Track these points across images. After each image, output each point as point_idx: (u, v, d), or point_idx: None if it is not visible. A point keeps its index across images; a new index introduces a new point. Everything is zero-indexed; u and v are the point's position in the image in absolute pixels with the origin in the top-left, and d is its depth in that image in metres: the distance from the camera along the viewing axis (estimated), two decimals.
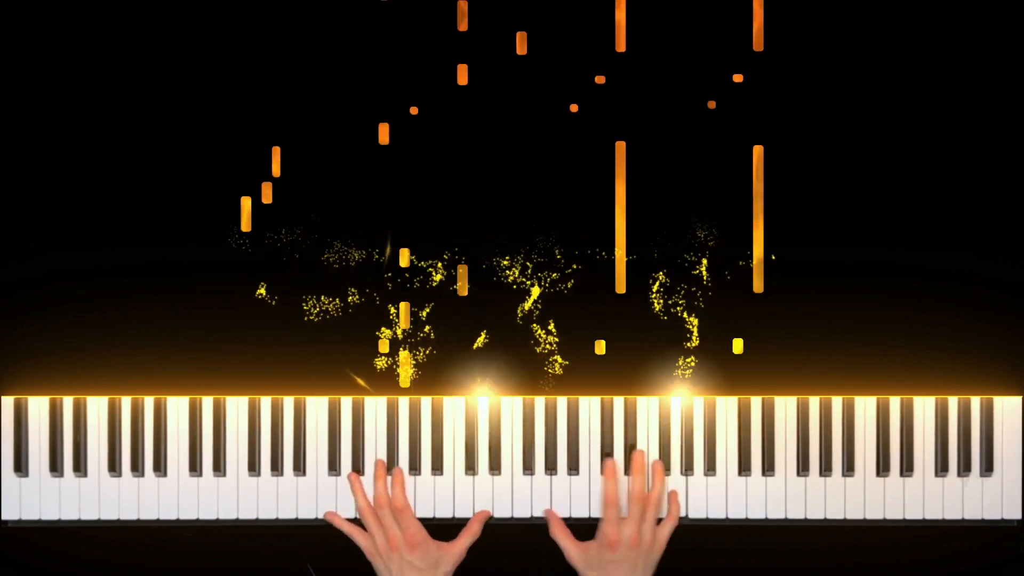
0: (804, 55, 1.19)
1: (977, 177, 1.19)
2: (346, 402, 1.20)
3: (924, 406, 1.20)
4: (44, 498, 1.20)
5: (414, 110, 1.19)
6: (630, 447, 1.19)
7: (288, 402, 1.20)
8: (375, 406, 1.20)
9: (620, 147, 1.19)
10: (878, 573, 1.22)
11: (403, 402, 1.20)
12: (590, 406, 1.20)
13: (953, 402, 1.20)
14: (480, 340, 1.19)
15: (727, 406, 1.20)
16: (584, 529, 1.20)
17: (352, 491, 1.18)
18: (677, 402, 1.20)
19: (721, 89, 1.19)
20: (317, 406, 1.20)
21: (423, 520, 1.18)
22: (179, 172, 1.18)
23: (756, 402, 1.20)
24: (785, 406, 1.20)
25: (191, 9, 1.18)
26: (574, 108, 1.19)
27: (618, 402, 1.20)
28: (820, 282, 1.19)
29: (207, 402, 1.20)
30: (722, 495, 1.20)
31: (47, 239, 1.18)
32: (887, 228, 1.19)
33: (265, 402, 1.20)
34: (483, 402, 1.20)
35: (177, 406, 1.20)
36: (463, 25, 1.18)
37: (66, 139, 1.18)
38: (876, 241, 1.19)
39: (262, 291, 1.19)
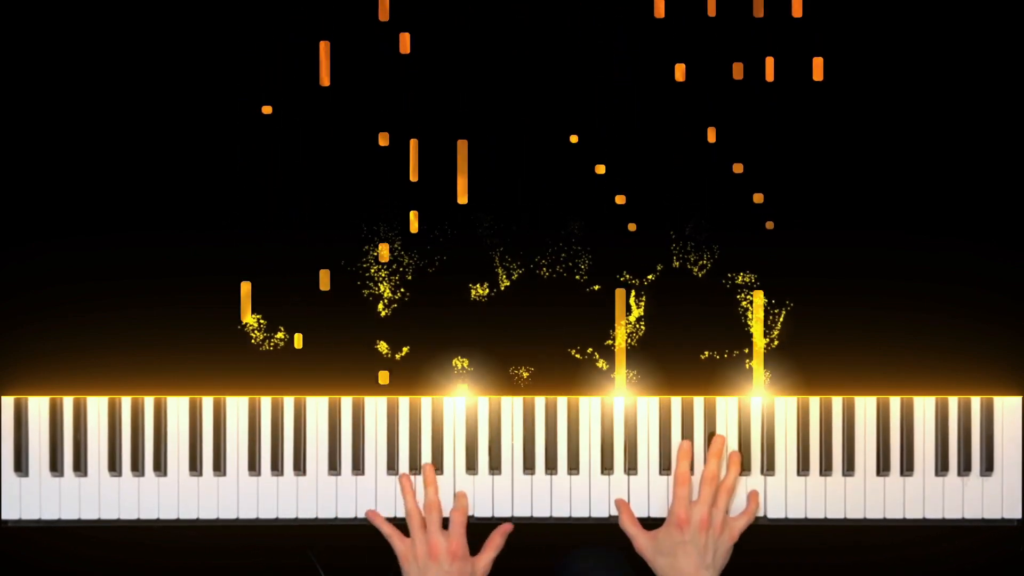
0: (805, 53, 1.19)
1: (977, 177, 1.19)
2: (346, 402, 1.20)
3: (924, 406, 1.20)
4: (44, 498, 1.19)
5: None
6: (710, 434, 1.19)
7: (288, 402, 1.20)
8: (375, 406, 1.20)
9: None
10: (878, 573, 1.22)
11: (403, 402, 1.20)
12: (590, 406, 1.20)
13: (953, 402, 1.20)
14: (481, 339, 1.19)
15: (727, 406, 1.20)
16: (585, 529, 1.20)
17: (402, 492, 1.17)
18: (677, 402, 1.20)
19: (721, 89, 1.20)
20: (317, 406, 1.20)
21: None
22: (179, 172, 1.18)
23: (756, 402, 1.20)
24: (785, 406, 1.20)
25: (191, 9, 1.18)
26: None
27: (618, 402, 1.20)
28: (820, 282, 1.19)
29: (207, 402, 1.20)
30: None
31: (47, 239, 1.18)
32: (887, 228, 1.19)
33: (265, 402, 1.20)
34: (483, 402, 1.20)
35: (177, 406, 1.20)
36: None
37: (66, 139, 1.18)
38: (876, 241, 1.19)
39: (263, 291, 1.19)
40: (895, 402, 1.20)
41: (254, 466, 1.20)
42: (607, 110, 1.19)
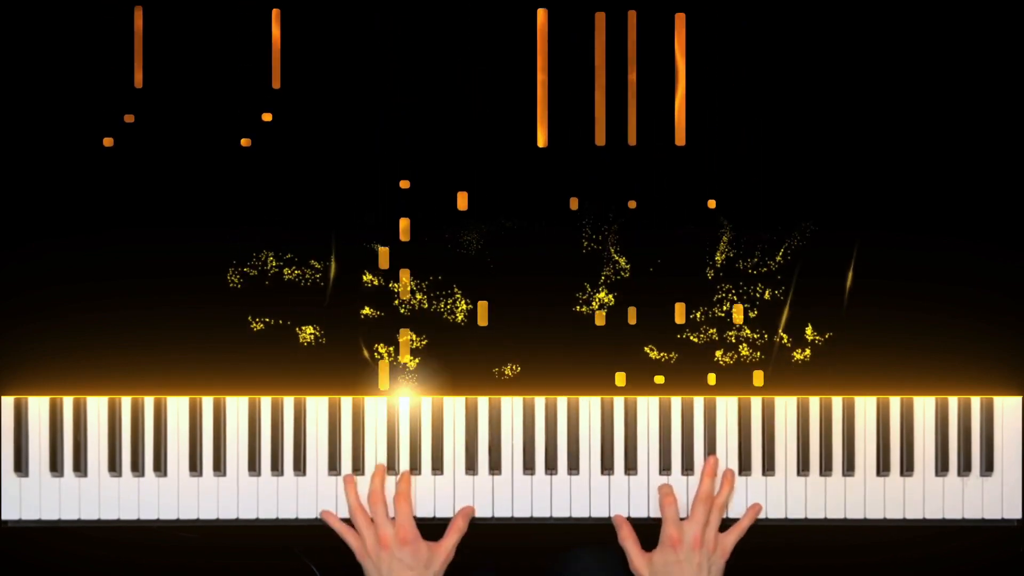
0: (804, 52, 1.19)
1: (977, 177, 1.19)
2: (346, 402, 1.20)
3: (924, 406, 1.20)
4: (44, 498, 1.19)
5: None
6: (708, 451, 1.20)
7: (288, 402, 1.20)
8: (375, 406, 1.20)
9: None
10: (878, 573, 1.22)
11: (403, 402, 1.20)
12: (590, 406, 1.20)
13: (953, 402, 1.20)
14: (484, 338, 1.20)
15: (727, 406, 1.20)
16: (585, 529, 1.20)
17: (345, 490, 1.18)
18: (677, 402, 1.20)
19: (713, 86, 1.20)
20: (317, 406, 1.20)
21: (423, 520, 1.18)
22: (179, 171, 1.18)
23: (756, 402, 1.20)
24: (785, 406, 1.20)
25: (190, 8, 1.18)
26: None
27: (618, 402, 1.20)
28: (819, 282, 1.19)
29: (207, 402, 1.20)
30: None
31: (47, 239, 1.18)
32: (887, 228, 1.19)
33: (265, 402, 1.20)
34: (483, 402, 1.20)
35: (177, 406, 1.20)
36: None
37: (66, 139, 1.18)
38: (876, 241, 1.19)
39: (263, 293, 1.19)
40: (895, 402, 1.20)
41: (254, 466, 1.20)
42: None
